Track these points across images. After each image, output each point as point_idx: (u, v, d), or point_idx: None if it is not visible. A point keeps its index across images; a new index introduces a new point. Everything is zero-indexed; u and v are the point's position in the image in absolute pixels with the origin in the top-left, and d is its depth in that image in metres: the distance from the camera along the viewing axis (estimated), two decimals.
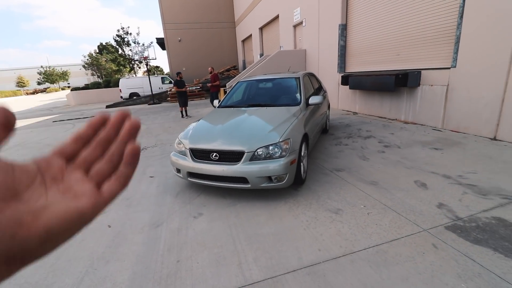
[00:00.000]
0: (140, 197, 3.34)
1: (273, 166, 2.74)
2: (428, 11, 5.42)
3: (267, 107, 3.87)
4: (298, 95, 4.02)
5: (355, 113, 7.87)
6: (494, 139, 4.35)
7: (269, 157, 2.82)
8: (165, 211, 2.94)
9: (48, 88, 54.80)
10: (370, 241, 2.12)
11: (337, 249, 2.07)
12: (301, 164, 3.10)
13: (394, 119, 6.47)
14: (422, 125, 5.70)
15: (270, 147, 2.83)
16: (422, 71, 5.64)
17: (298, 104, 3.81)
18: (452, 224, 2.28)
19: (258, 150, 2.82)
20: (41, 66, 53.75)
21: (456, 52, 4.83)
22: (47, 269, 2.15)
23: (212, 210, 2.87)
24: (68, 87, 55.61)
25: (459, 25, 4.73)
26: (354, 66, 8.16)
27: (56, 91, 50.10)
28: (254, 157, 2.82)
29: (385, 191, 2.92)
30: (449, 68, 5.03)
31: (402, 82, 5.75)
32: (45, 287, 1.97)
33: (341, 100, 8.72)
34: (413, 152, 4.11)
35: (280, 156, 2.80)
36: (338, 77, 8.47)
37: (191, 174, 3.13)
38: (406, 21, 5.99)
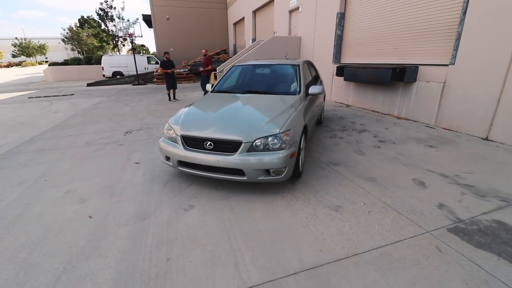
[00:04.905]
0: (125, 185, 3.09)
1: (272, 159, 2.56)
2: (430, 4, 5.28)
3: (265, 95, 3.66)
4: (297, 83, 3.82)
5: (348, 105, 7.79)
6: (486, 139, 4.38)
7: (267, 149, 2.64)
8: (153, 202, 2.72)
9: (24, 61, 51.01)
10: (373, 242, 2.03)
11: (339, 250, 1.96)
12: (299, 157, 2.96)
13: (387, 114, 6.43)
14: (415, 121, 5.69)
15: (270, 138, 2.64)
16: (420, 67, 5.58)
17: (298, 93, 3.62)
18: (454, 226, 2.23)
19: (256, 141, 2.63)
20: (16, 38, 49.81)
21: (456, 49, 4.76)
22: (18, 265, 1.91)
23: (204, 202, 2.69)
24: (46, 61, 52.15)
25: (462, 21, 4.63)
26: (350, 57, 8.01)
27: (32, 65, 46.72)
28: (251, 148, 2.63)
29: (384, 188, 2.84)
30: (447, 65, 4.97)
31: (399, 76, 5.66)
32: (16, 287, 1.74)
33: (334, 92, 8.60)
34: (408, 148, 4.07)
35: (280, 148, 2.63)
36: (333, 67, 8.31)
37: (182, 163, 2.91)
38: (405, 13, 5.84)
